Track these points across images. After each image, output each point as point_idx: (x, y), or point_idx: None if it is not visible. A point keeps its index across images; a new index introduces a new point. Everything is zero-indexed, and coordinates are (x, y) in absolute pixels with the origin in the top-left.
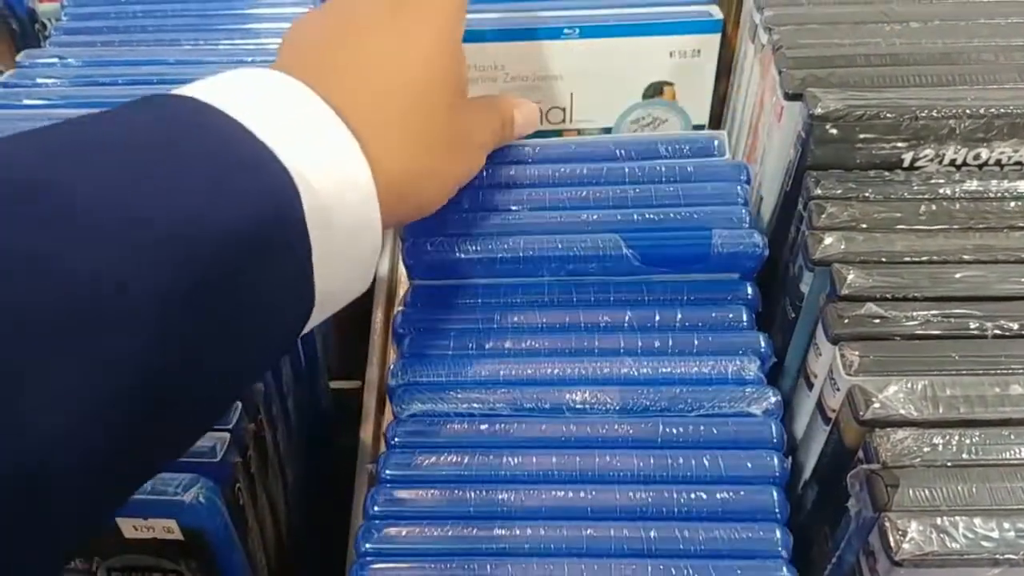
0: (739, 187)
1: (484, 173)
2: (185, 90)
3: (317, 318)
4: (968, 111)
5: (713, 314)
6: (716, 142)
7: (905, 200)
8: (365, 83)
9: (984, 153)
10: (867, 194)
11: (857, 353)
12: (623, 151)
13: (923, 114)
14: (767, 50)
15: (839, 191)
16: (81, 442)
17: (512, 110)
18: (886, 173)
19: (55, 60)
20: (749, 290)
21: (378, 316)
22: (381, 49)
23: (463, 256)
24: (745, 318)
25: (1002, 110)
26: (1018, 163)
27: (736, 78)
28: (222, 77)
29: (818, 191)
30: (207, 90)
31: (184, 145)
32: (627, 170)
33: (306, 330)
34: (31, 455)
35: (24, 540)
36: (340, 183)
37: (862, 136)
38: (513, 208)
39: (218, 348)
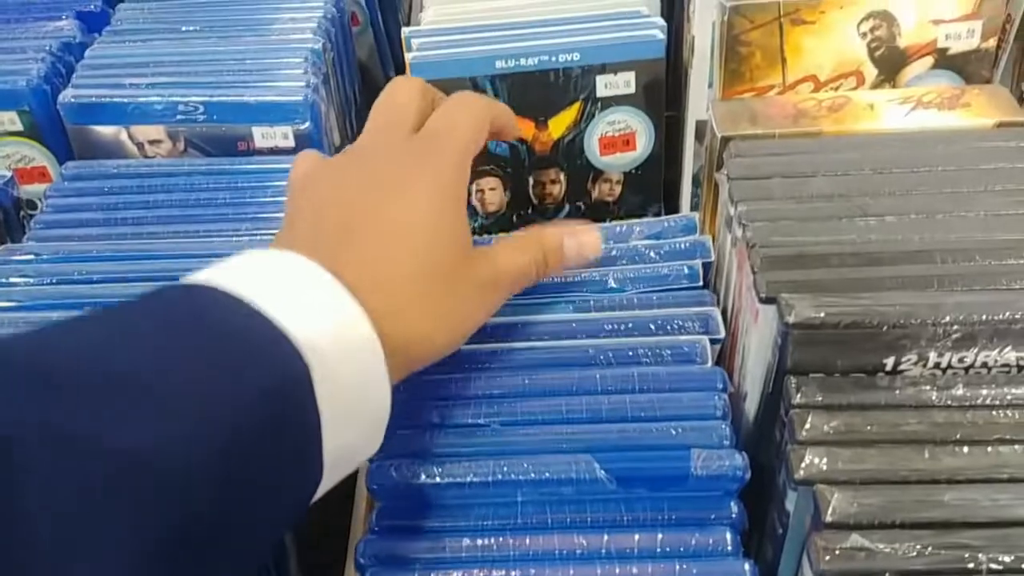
0: (717, 397)
1: (453, 384)
2: (200, 277)
3: (330, 479)
4: (947, 319)
5: (696, 537)
6: (699, 347)
7: (890, 408)
8: (372, 251)
9: (969, 357)
10: (849, 401)
11: None
12: (601, 357)
13: (901, 322)
14: (741, 244)
15: (820, 398)
16: None
17: (559, 240)
18: (868, 377)
19: (31, 256)
20: (734, 509)
21: None
22: (387, 217)
23: (429, 480)
24: (730, 541)
25: (984, 317)
26: (1005, 365)
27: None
28: (235, 261)
29: (798, 398)
30: (221, 275)
31: (201, 332)
32: (599, 377)
33: (322, 491)
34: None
35: None
36: (348, 353)
37: (841, 343)
38: (482, 422)
39: (237, 515)
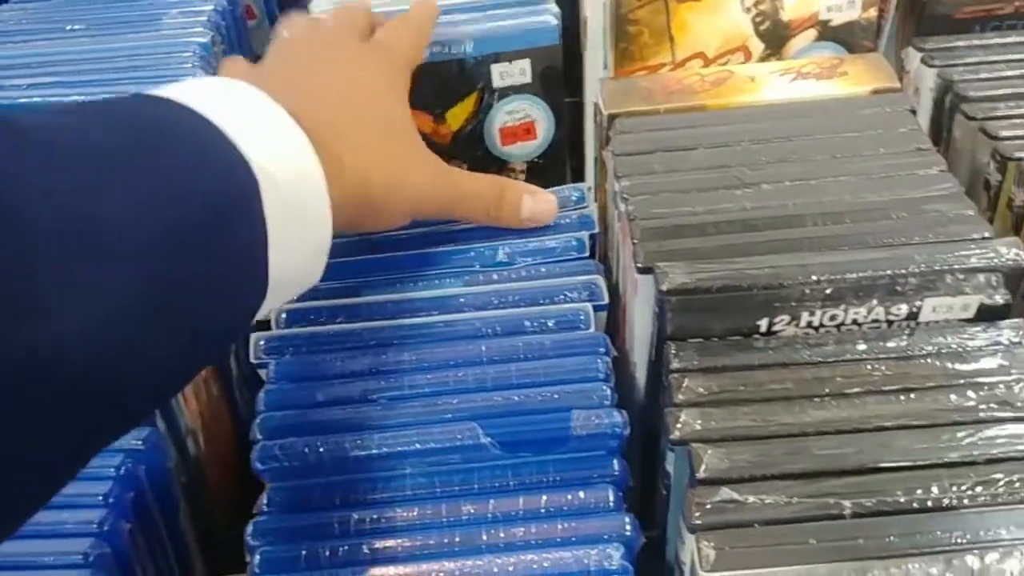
0: (599, 361)
1: (339, 362)
2: (163, 91)
3: (272, 300)
4: (815, 278)
5: (579, 496)
6: (582, 315)
7: (763, 368)
8: (325, 102)
9: (840, 315)
10: (725, 363)
11: (713, 546)
12: (488, 329)
13: (771, 284)
14: (624, 219)
15: (696, 362)
16: (93, 344)
17: (519, 193)
18: (744, 340)
19: None
20: (615, 466)
21: None
22: (340, 80)
23: (315, 458)
24: (611, 498)
25: (848, 276)
26: (875, 321)
27: (610, 234)
28: (197, 83)
29: (676, 363)
30: (183, 93)
31: (160, 132)
32: (485, 348)
33: (263, 312)
34: (48, 342)
35: (38, 427)
36: (294, 178)
37: (715, 308)
38: (371, 398)
39: (191, 302)
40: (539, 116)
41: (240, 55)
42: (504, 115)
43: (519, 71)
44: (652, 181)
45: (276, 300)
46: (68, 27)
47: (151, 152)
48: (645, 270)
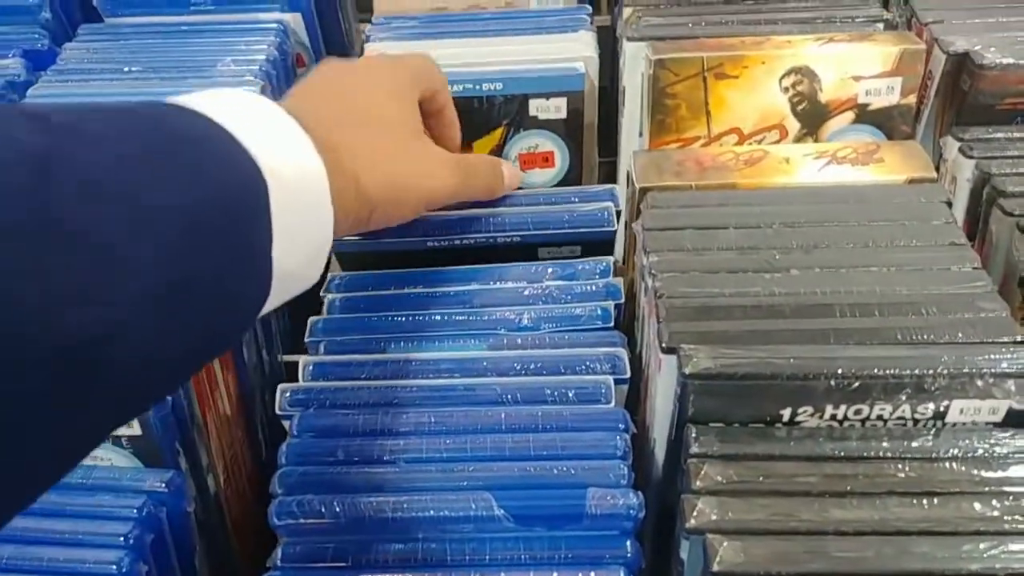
0: (618, 437)
1: (361, 420)
2: (176, 100)
3: (274, 299)
4: (841, 372)
5: (591, 575)
6: (604, 388)
7: (784, 460)
8: (334, 108)
9: (864, 410)
10: (745, 451)
11: None
12: (508, 395)
13: (795, 375)
14: (651, 295)
15: (716, 448)
16: (118, 332)
17: (502, 165)
18: (766, 428)
19: None
20: (629, 548)
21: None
22: (351, 90)
23: (331, 517)
24: None
25: (876, 372)
26: (901, 418)
27: (636, 306)
28: (208, 93)
29: (695, 448)
30: (195, 101)
31: (172, 136)
32: (505, 416)
33: (267, 308)
34: (97, 323)
35: (81, 401)
36: (301, 179)
37: (738, 394)
38: (387, 459)
39: (203, 297)
40: (556, 150)
41: None
42: (523, 145)
43: (554, 108)
44: (681, 258)
45: (277, 299)
46: (126, 69)
47: (171, 154)
48: (670, 350)
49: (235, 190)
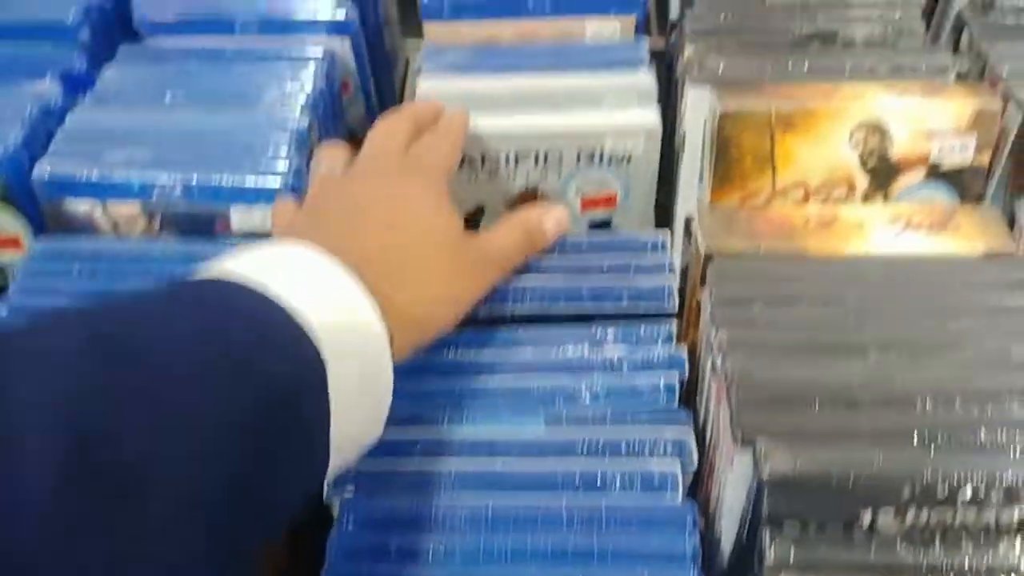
0: (686, 539)
1: (413, 506)
2: (220, 269)
3: (336, 462)
4: (927, 478)
5: None
6: (671, 478)
7: (864, 571)
8: (375, 242)
9: (948, 519)
10: (824, 558)
11: None
12: (569, 481)
13: (877, 480)
14: (720, 375)
15: (792, 556)
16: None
17: (539, 218)
18: (844, 533)
19: None
20: None
21: None
22: (387, 216)
23: None
24: None
25: (963, 475)
26: (986, 527)
27: (699, 375)
28: (251, 254)
29: (771, 557)
30: (240, 267)
31: (226, 324)
32: (566, 504)
33: (332, 475)
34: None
35: None
36: (358, 344)
37: (816, 496)
38: (444, 556)
39: (255, 482)
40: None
41: (336, 139)
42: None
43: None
44: (752, 337)
45: (338, 464)
46: (167, 96)
47: (222, 342)
48: (745, 443)
49: (290, 376)
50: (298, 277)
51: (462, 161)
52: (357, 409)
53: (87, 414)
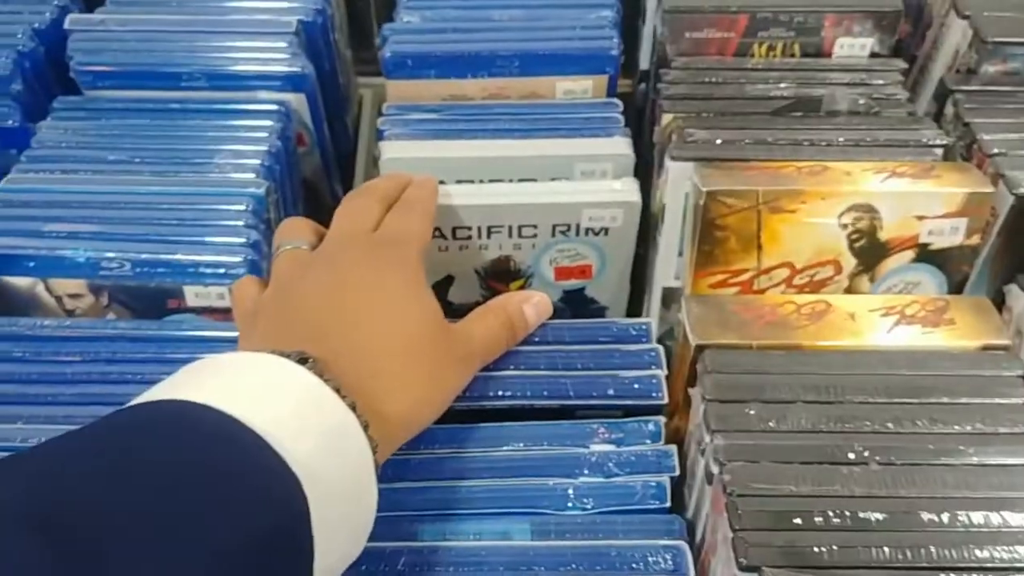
0: None
1: None
2: (186, 392)
3: None
4: None
5: None
6: None
7: None
8: (354, 341)
9: None
10: None
11: None
12: None
13: None
14: (718, 485)
15: None
16: None
17: (520, 307)
18: None
19: None
20: None
21: None
22: (362, 307)
23: None
24: None
25: None
26: None
27: (687, 471)
28: (223, 379)
29: None
30: (217, 393)
31: (199, 464)
32: None
33: None
34: None
35: None
36: (342, 469)
37: None
38: None
39: None
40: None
41: (297, 216)
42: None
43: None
44: (749, 444)
45: None
46: (110, 157)
47: (196, 484)
48: (749, 569)
49: (271, 519)
50: (274, 397)
51: (432, 233)
52: (340, 539)
53: None
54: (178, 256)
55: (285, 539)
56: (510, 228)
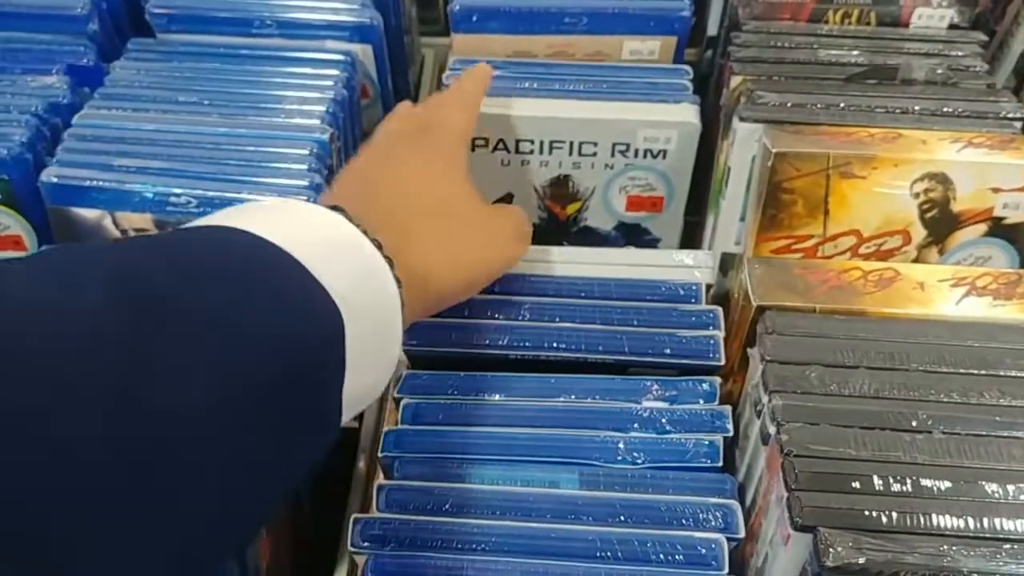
0: None
1: (442, 566)
2: (248, 218)
3: (345, 418)
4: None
5: None
6: (716, 550)
7: None
8: (394, 203)
9: None
10: None
11: None
12: (608, 551)
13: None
14: (774, 445)
15: None
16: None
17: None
18: None
19: None
20: None
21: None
22: (404, 181)
23: None
24: None
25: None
26: None
27: (741, 433)
28: (277, 211)
29: None
30: (267, 224)
31: (249, 279)
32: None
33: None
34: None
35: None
36: (374, 306)
37: None
38: None
39: (262, 452)
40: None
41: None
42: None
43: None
44: (808, 406)
45: (345, 419)
46: (180, 98)
47: (239, 303)
48: (804, 528)
49: (311, 336)
50: (311, 233)
51: (495, 145)
52: (368, 370)
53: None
54: (243, 195)
55: (325, 349)
56: (571, 145)
